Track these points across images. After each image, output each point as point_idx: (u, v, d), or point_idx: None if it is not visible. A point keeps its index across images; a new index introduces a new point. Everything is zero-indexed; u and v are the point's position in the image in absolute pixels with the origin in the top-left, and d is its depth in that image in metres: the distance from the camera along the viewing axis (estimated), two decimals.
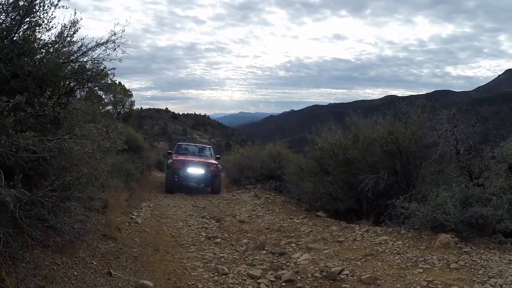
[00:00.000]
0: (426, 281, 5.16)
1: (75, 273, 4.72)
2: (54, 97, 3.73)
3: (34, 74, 4.14)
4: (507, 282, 4.94)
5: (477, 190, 7.64)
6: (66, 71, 4.76)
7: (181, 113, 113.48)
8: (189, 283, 5.30)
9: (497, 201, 7.20)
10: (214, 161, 16.82)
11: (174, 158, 16.39)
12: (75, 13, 4.72)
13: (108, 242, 6.40)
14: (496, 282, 4.95)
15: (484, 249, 6.48)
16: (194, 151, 19.06)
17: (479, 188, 7.92)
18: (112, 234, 6.72)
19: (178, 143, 21.44)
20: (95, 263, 5.29)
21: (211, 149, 19.86)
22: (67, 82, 4.78)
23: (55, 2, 4.44)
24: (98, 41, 4.99)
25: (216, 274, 5.68)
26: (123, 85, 37.38)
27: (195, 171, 15.83)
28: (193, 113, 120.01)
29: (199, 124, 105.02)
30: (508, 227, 6.91)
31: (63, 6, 4.51)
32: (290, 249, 7.35)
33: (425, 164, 9.55)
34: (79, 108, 4.82)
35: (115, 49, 5.01)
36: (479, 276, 5.24)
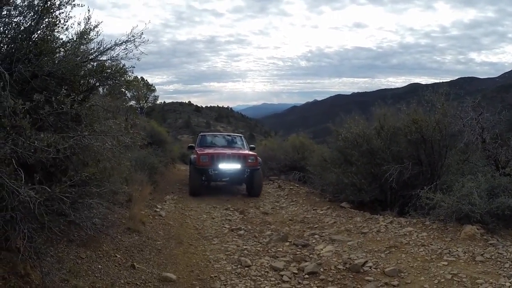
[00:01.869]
0: (451, 274, 5.07)
1: (99, 266, 4.79)
2: (72, 94, 3.75)
3: (54, 73, 4.18)
4: None
5: (504, 180, 7.48)
6: (86, 69, 4.81)
7: (204, 106, 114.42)
8: (211, 275, 5.33)
9: None
10: (251, 152, 13.63)
11: (199, 152, 13.06)
12: (88, 10, 4.76)
13: (132, 235, 6.48)
14: None
15: (511, 241, 6.36)
16: (222, 142, 15.50)
17: (506, 178, 7.74)
18: (136, 227, 6.80)
19: (201, 133, 17.06)
20: (118, 256, 5.36)
21: (243, 138, 16.20)
22: (87, 80, 4.82)
23: (72, 1, 4.48)
24: (117, 41, 5.02)
25: (239, 266, 5.71)
26: (146, 80, 37.81)
27: (229, 166, 12.48)
28: (216, 105, 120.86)
29: (222, 116, 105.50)
30: None
31: (80, 4, 4.54)
32: (314, 241, 7.34)
33: (450, 154, 9.40)
34: (100, 105, 4.85)
35: (136, 47, 5.04)
36: (505, 269, 5.12)
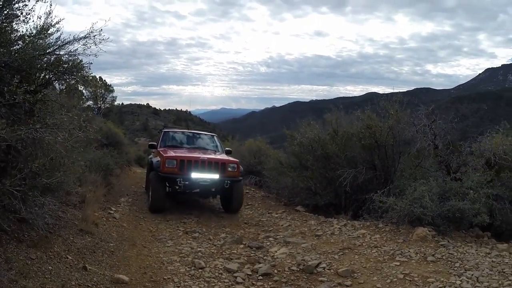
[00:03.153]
0: (403, 273, 5.23)
1: (49, 267, 4.67)
2: (24, 85, 3.68)
3: (9, 64, 4.10)
4: (483, 274, 5.04)
5: (454, 185, 7.76)
6: (42, 62, 4.73)
7: (162, 109, 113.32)
8: (165, 277, 5.29)
9: (474, 195, 7.32)
10: (231, 159, 10.95)
11: (164, 154, 10.34)
12: (50, 5, 4.70)
13: (84, 237, 6.35)
14: (472, 275, 5.03)
15: (461, 242, 6.61)
16: (192, 142, 12.46)
17: (457, 182, 8.03)
18: (88, 229, 6.67)
19: (165, 129, 13.36)
20: (70, 257, 5.24)
21: (218, 139, 13.27)
22: (43, 74, 4.75)
23: None
24: (76, 36, 4.96)
25: (192, 268, 5.68)
26: (104, 80, 37.21)
27: (204, 176, 9.94)
28: (175, 108, 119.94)
29: (180, 119, 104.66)
30: (485, 221, 7.02)
31: None
32: (268, 243, 7.39)
33: (403, 159, 9.69)
34: (55, 100, 4.78)
35: (93, 45, 5.00)
36: (455, 268, 5.33)
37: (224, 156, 11.15)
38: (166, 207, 10.10)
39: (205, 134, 13.47)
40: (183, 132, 13.26)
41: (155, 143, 12.12)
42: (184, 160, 9.91)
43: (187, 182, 9.81)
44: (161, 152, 10.80)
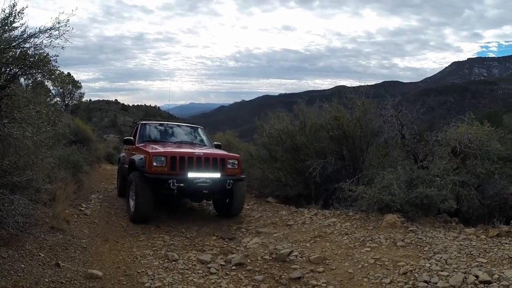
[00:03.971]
0: (374, 258, 5.38)
1: (21, 265, 4.65)
2: None
3: None
4: (451, 257, 5.22)
5: (421, 172, 7.97)
6: (8, 56, 4.68)
7: (131, 105, 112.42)
8: (138, 270, 5.30)
9: (440, 182, 7.54)
10: (229, 153, 9.34)
11: (147, 149, 8.51)
12: None
13: (56, 234, 6.31)
14: (441, 257, 5.21)
15: (430, 227, 6.84)
16: (174, 135, 10.72)
17: (424, 170, 8.25)
18: (60, 226, 6.63)
19: (142, 121, 11.24)
20: (42, 255, 5.22)
21: (203, 131, 11.36)
22: (9, 68, 4.69)
23: None
24: (41, 28, 4.91)
25: (166, 260, 5.70)
26: (72, 76, 36.55)
27: (203, 175, 8.13)
28: (143, 104, 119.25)
29: (149, 115, 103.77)
30: (452, 207, 7.26)
31: None
32: (240, 234, 7.49)
33: (371, 149, 9.89)
34: (21, 95, 4.73)
35: (59, 37, 4.95)
36: (424, 252, 5.52)
37: (219, 151, 9.34)
38: (152, 218, 8.17)
39: (189, 126, 11.34)
40: (163, 124, 11.18)
41: (131, 138, 10.25)
42: (175, 156, 8.01)
43: (182, 184, 7.87)
44: (142, 148, 9.00)
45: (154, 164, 7.87)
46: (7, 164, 3.99)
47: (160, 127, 10.90)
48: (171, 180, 7.77)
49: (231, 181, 8.35)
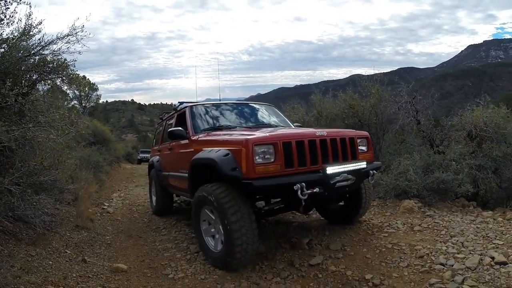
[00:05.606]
0: (391, 243, 5.43)
1: (49, 262, 4.80)
2: (15, 88, 3.79)
3: None
4: (468, 239, 5.26)
5: (437, 157, 7.99)
6: (28, 64, 4.84)
7: (147, 104, 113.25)
8: (162, 263, 5.40)
9: (457, 166, 7.56)
10: (359, 132, 5.84)
11: (238, 137, 4.83)
12: (30, 6, 4.80)
13: (81, 232, 6.50)
14: (457, 240, 5.25)
15: (447, 212, 6.87)
16: (245, 117, 7.22)
17: (440, 155, 8.27)
18: (84, 224, 6.83)
19: (193, 105, 7.26)
20: (69, 252, 5.38)
21: (278, 110, 8.20)
22: (30, 75, 4.86)
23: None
24: (59, 35, 5.07)
25: (188, 252, 5.78)
26: (88, 79, 37.04)
27: (344, 167, 4.98)
28: (160, 103, 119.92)
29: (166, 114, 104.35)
30: (469, 190, 7.27)
31: (24, 1, 4.59)
32: None
33: (388, 136, 9.89)
34: (43, 100, 4.89)
35: (78, 41, 5.11)
36: (441, 236, 5.56)
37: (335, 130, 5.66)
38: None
39: (261, 105, 8.05)
40: (221, 106, 7.45)
41: (180, 129, 6.37)
42: (290, 142, 4.65)
43: (317, 189, 4.61)
44: (213, 139, 5.62)
45: (258, 160, 4.47)
46: (34, 165, 4.14)
47: (221, 110, 7.32)
48: (299, 185, 4.44)
49: (374, 171, 5.57)
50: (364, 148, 5.68)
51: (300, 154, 4.69)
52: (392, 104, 9.83)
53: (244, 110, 7.45)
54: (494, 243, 5.05)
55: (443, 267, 4.51)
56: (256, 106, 7.85)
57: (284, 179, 4.51)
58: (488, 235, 5.41)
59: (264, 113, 7.58)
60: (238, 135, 5.17)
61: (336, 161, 5.04)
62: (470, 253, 4.78)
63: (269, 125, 6.87)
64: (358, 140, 5.56)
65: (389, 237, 5.74)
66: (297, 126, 7.50)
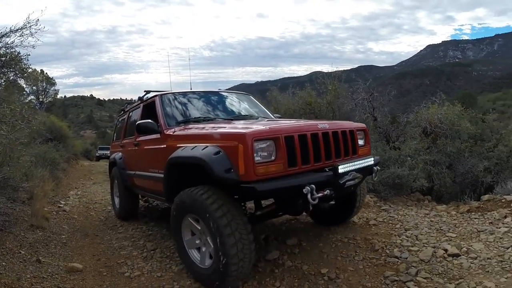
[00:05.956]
0: (347, 237, 5.50)
1: (3, 263, 4.72)
2: None
3: None
4: (422, 233, 5.47)
5: (393, 153, 8.17)
6: None
7: (106, 99, 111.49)
8: (118, 261, 5.35)
9: (412, 162, 7.76)
10: (356, 124, 5.20)
11: (233, 130, 4.07)
12: None
13: (35, 232, 6.38)
14: (412, 234, 5.44)
15: (402, 206, 7.08)
16: (222, 108, 6.35)
17: (396, 151, 8.46)
18: (39, 224, 6.69)
19: (165, 93, 6.19)
20: (23, 252, 5.29)
21: (255, 99, 7.36)
22: None
23: None
24: (12, 27, 4.95)
25: (144, 250, 5.76)
26: (46, 73, 36.12)
27: (353, 165, 4.41)
28: (119, 98, 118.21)
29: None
30: (423, 185, 7.49)
31: None
32: None
33: None
34: None
35: (32, 35, 5.00)
36: (396, 229, 5.75)
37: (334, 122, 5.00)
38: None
39: (238, 94, 7.21)
40: (202, 94, 6.52)
41: (151, 122, 5.42)
42: (292, 136, 4.00)
43: (327, 192, 4.09)
44: (191, 134, 4.88)
45: (258, 158, 3.73)
46: None
47: (195, 98, 6.38)
48: (309, 187, 3.79)
49: (378, 167, 5.12)
50: (361, 142, 5.17)
51: (303, 150, 4.05)
52: (349, 101, 10.01)
53: (222, 100, 6.62)
54: (447, 236, 5.27)
55: (397, 260, 4.63)
56: (234, 95, 7.00)
57: (292, 180, 3.83)
58: (441, 228, 5.63)
59: (243, 103, 6.82)
60: (229, 128, 4.35)
61: (338, 157, 4.50)
62: (424, 245, 4.95)
63: (250, 117, 6.16)
64: (359, 132, 5.12)
65: (344, 231, 5.81)
66: (277, 117, 6.97)
